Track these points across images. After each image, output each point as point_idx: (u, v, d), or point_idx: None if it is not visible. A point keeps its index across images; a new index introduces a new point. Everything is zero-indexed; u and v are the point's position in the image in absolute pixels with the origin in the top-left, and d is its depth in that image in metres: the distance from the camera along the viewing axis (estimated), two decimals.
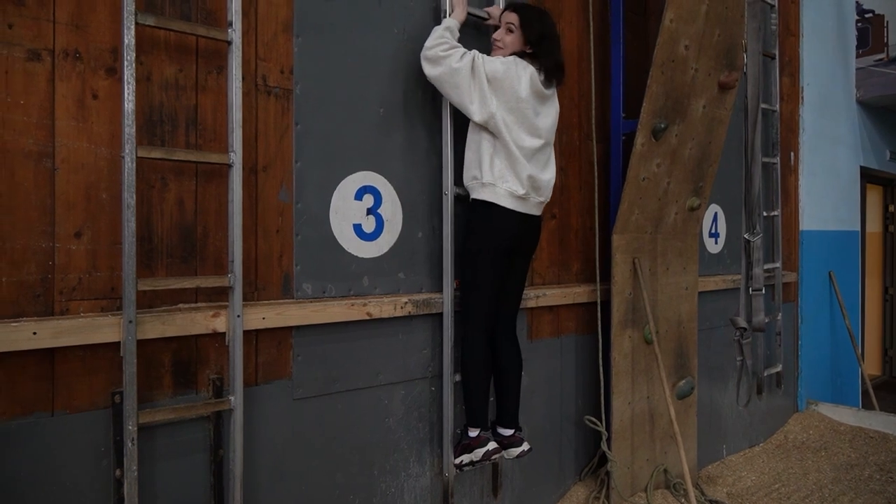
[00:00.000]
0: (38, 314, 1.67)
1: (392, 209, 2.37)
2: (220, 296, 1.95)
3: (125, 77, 1.72)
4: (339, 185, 2.23)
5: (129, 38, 1.72)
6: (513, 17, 2.39)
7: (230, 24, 1.92)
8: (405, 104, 2.40)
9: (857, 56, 5.36)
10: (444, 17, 2.41)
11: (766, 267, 4.16)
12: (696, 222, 3.36)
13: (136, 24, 1.73)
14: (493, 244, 2.34)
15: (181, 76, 1.91)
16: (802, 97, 4.76)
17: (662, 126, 2.91)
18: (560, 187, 3.03)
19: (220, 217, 1.96)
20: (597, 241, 3.04)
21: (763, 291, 2.67)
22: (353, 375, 2.26)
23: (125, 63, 1.72)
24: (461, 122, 2.47)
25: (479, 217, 2.36)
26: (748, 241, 2.59)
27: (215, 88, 1.96)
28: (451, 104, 2.40)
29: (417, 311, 2.38)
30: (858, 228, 5.51)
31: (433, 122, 2.47)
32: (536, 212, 2.43)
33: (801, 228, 4.73)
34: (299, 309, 2.08)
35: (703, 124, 3.14)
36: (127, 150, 1.72)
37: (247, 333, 1.97)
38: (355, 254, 2.27)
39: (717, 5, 2.97)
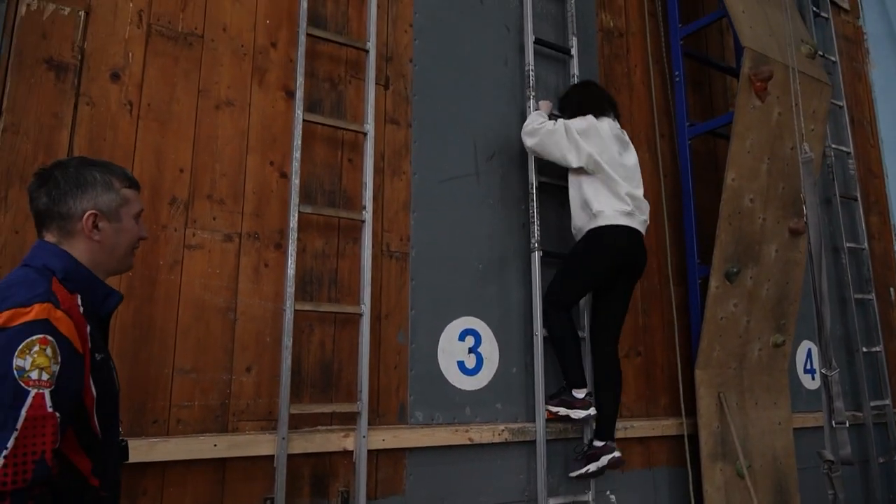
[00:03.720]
0: (217, 431, 2.18)
1: (490, 348, 2.79)
2: (349, 420, 2.40)
3: (289, 251, 2.33)
4: (446, 328, 2.69)
5: (293, 222, 2.35)
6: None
7: (364, 207, 2.54)
8: (499, 260, 2.89)
9: None
10: (532, 175, 2.96)
11: (873, 404, 4.11)
12: (783, 358, 3.50)
13: (299, 212, 2.37)
14: (602, 259, 2.75)
15: (326, 247, 2.51)
16: (895, 234, 4.85)
17: (735, 270, 3.20)
18: (644, 327, 3.34)
19: (351, 355, 2.46)
20: (680, 376, 3.27)
21: (847, 425, 2.75)
22: (457, 495, 2.58)
23: (289, 240, 2.34)
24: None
25: (591, 238, 2.76)
26: (825, 376, 2.72)
27: (351, 255, 2.54)
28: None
29: (513, 438, 2.71)
30: None
31: (523, 274, 2.93)
32: (642, 229, 2.82)
33: None
34: (412, 433, 2.48)
35: (777, 267, 3.40)
36: (287, 305, 2.28)
37: (369, 453, 2.38)
38: (459, 386, 2.68)
39: (778, 163, 3.34)
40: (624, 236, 2.75)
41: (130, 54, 2.25)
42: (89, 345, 1.26)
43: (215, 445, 2.10)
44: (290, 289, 2.30)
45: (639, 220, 2.81)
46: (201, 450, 2.08)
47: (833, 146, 4.38)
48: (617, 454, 2.74)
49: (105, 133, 2.16)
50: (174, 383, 2.14)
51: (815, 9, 4.67)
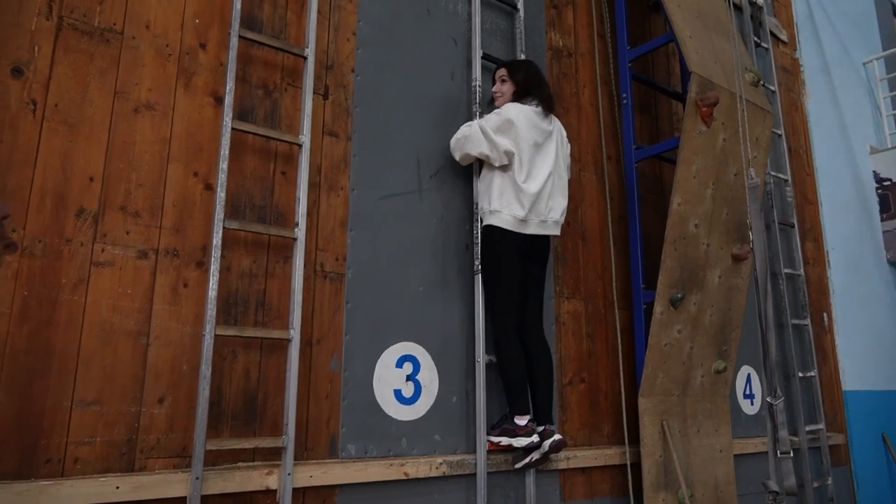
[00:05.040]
0: (121, 470, 1.95)
1: (429, 376, 2.64)
2: (274, 455, 2.20)
3: (211, 270, 2.13)
4: (383, 354, 2.53)
5: (217, 239, 2.15)
6: (502, 71, 2.90)
7: (297, 224, 2.36)
8: (442, 283, 2.76)
9: (882, 220, 5.58)
10: (477, 208, 2.83)
11: (808, 428, 4.15)
12: (724, 384, 3.48)
13: (224, 228, 2.17)
14: (507, 259, 2.69)
15: (254, 266, 2.32)
16: (829, 261, 4.96)
17: (679, 296, 3.16)
18: (588, 353, 3.26)
19: (278, 384, 2.27)
20: (623, 404, 3.20)
21: (791, 454, 2.72)
22: None
23: (212, 259, 2.14)
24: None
25: (487, 238, 2.74)
26: (770, 405, 2.69)
27: (281, 275, 2.36)
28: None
29: (452, 472, 2.56)
30: None
31: (466, 297, 2.80)
32: (541, 231, 2.75)
33: (843, 388, 4.72)
34: (343, 468, 2.30)
35: (720, 293, 3.38)
36: (207, 329, 2.08)
37: (295, 491, 2.18)
38: (395, 417, 2.51)
39: (723, 189, 3.33)
40: (518, 240, 2.71)
41: (37, 48, 2.03)
42: None
43: (118, 487, 1.87)
44: (212, 311, 2.10)
45: (535, 224, 2.74)
46: (101, 492, 1.85)
47: (772, 173, 4.45)
48: (557, 437, 2.66)
49: (3, 134, 1.93)
50: (73, 417, 1.90)
51: (756, 39, 4.77)
